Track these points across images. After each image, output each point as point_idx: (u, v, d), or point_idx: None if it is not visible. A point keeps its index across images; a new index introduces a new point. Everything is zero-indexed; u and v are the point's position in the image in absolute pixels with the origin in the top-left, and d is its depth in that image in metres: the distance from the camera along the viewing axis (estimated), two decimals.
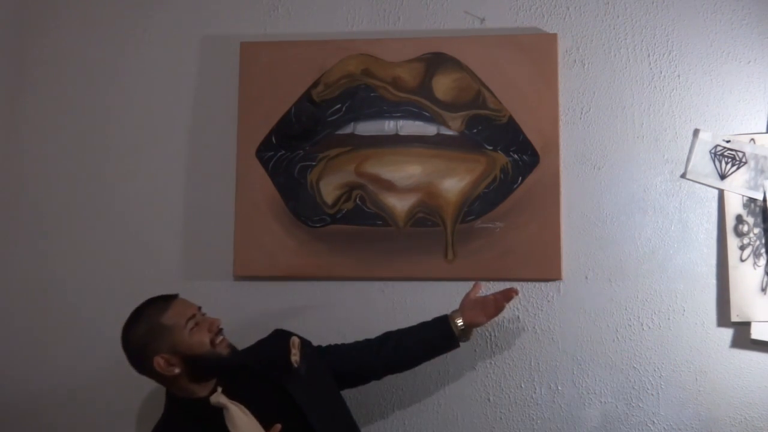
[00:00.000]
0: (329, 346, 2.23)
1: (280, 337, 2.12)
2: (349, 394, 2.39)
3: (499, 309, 2.18)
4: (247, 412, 1.95)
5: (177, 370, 1.91)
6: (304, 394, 2.00)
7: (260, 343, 2.17)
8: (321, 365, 2.13)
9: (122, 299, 2.29)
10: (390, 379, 2.41)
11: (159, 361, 1.90)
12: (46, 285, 2.55)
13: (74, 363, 2.52)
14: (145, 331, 1.91)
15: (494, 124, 2.45)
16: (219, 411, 1.94)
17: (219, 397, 1.95)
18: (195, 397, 1.96)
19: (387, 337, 2.21)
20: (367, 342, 2.23)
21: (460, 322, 2.17)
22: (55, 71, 2.63)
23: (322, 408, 2.04)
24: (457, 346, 2.20)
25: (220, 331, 1.97)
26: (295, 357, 2.03)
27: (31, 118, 2.62)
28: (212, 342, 1.94)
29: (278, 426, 1.88)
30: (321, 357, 2.16)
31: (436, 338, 2.19)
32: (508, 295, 2.18)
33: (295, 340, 2.07)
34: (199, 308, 2.00)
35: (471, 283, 2.41)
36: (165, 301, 1.97)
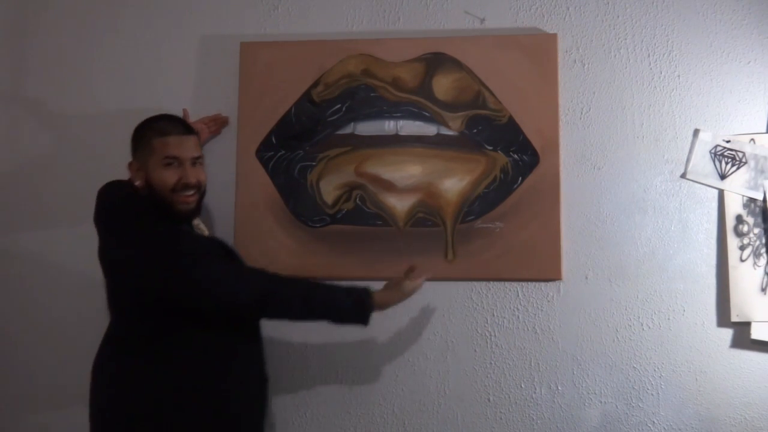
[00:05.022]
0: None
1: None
2: (347, 394, 2.39)
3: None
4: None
5: (138, 183, 2.02)
6: None
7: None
8: None
9: None
10: (389, 380, 2.42)
11: (132, 164, 2.06)
12: (48, 283, 2.56)
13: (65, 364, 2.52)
14: (140, 136, 2.06)
15: (494, 124, 2.45)
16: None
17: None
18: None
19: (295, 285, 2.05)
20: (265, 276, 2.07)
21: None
22: (55, 71, 2.63)
23: None
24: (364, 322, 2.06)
25: (187, 188, 2.02)
26: None
27: (30, 118, 2.62)
28: (173, 190, 2.00)
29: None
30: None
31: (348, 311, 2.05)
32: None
33: None
34: (198, 157, 2.06)
35: (471, 283, 2.42)
36: (174, 128, 2.04)
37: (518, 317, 2.42)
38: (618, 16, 2.48)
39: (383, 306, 2.06)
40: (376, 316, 2.04)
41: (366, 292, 2.04)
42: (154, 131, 2.04)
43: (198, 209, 2.09)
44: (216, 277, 1.94)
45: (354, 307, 2.01)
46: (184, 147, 2.04)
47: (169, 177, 2.00)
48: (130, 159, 2.11)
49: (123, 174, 2.29)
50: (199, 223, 2.21)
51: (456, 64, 2.47)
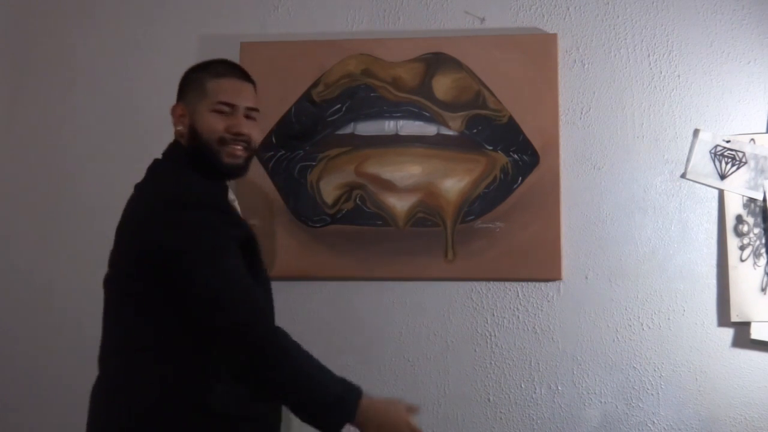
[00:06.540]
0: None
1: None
2: None
3: None
4: None
5: (180, 128, 1.82)
6: None
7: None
8: None
9: None
10: (390, 380, 2.41)
11: (177, 108, 1.84)
12: (44, 285, 2.56)
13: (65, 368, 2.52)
14: (193, 78, 1.85)
15: (494, 124, 2.45)
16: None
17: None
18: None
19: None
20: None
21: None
22: (55, 71, 2.63)
23: None
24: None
25: (239, 139, 1.78)
26: None
27: (30, 118, 2.62)
28: (221, 140, 1.77)
29: None
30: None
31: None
32: None
33: None
34: (253, 109, 1.82)
35: (471, 283, 2.42)
36: (231, 72, 1.84)
37: (518, 317, 2.42)
38: (618, 16, 2.48)
39: (368, 410, 1.66)
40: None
41: (357, 391, 1.67)
42: (210, 72, 1.82)
43: (245, 168, 1.83)
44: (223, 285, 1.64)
45: (335, 402, 1.65)
46: (241, 94, 1.81)
47: (217, 124, 1.77)
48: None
49: (132, 172, 2.30)
50: (234, 200, 1.99)
51: (456, 64, 2.47)
